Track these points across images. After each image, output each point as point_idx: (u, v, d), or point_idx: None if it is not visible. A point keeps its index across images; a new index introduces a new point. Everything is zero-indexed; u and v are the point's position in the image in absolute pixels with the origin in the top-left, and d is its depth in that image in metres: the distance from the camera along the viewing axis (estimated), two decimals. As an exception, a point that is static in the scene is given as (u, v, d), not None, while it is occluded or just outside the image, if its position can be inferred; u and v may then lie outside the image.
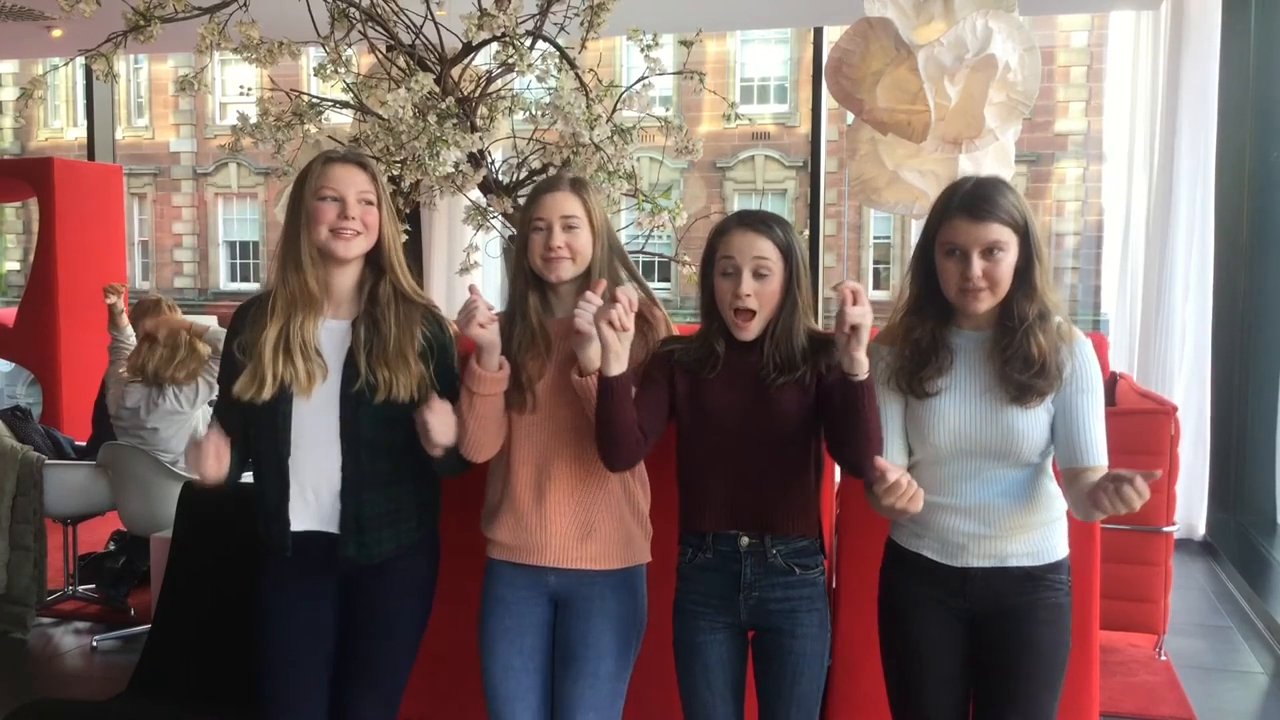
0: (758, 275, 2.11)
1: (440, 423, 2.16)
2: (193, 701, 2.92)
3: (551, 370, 2.28)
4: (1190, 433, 5.46)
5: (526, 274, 2.33)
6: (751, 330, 2.14)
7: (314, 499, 2.31)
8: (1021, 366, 1.99)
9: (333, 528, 2.30)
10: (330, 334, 2.31)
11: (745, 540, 2.18)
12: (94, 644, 4.23)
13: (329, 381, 2.28)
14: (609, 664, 2.28)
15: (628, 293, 2.06)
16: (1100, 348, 2.50)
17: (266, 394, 2.24)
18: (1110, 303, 6.54)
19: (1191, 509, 5.67)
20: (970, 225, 1.96)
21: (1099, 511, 1.92)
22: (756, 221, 2.15)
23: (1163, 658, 4.03)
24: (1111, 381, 4.54)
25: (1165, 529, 3.93)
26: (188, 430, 4.28)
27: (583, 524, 2.29)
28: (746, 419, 2.16)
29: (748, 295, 2.10)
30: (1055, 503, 2.14)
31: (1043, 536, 2.12)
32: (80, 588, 4.68)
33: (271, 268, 2.33)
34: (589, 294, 2.09)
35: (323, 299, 2.29)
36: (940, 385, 2.05)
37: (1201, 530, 5.76)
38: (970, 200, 1.97)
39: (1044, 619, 2.08)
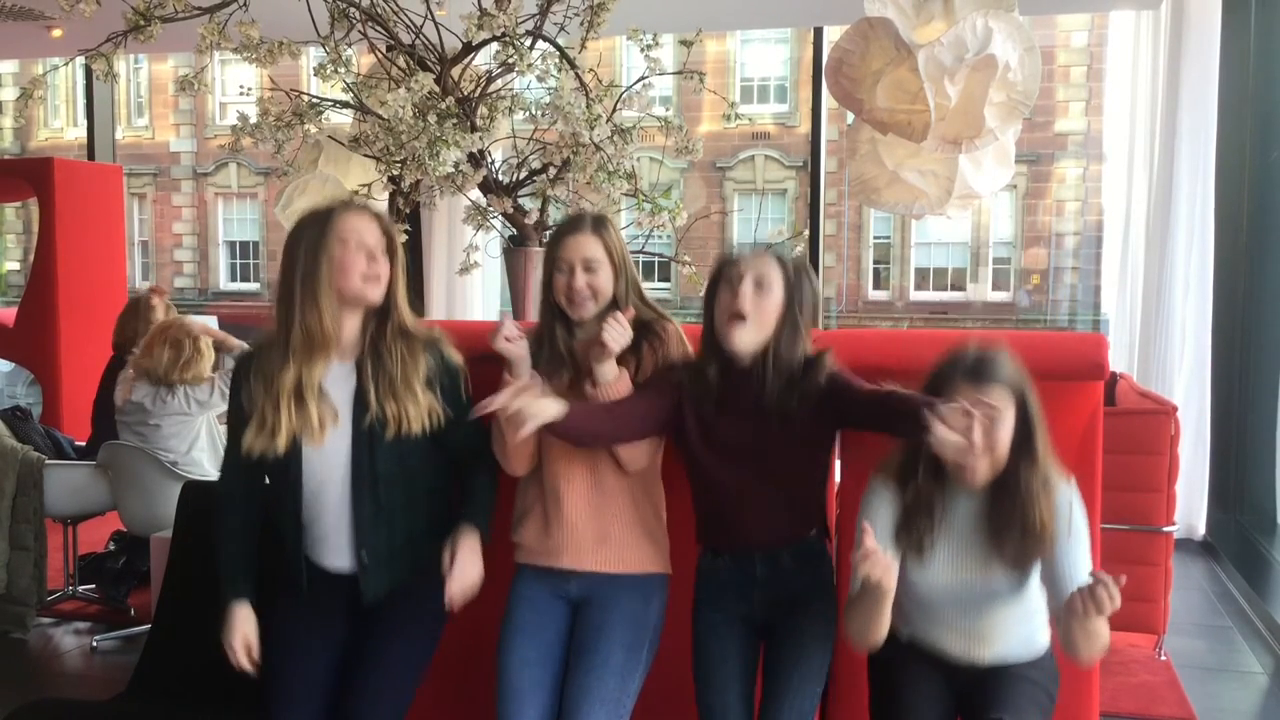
0: (759, 287, 2.19)
1: (465, 574, 2.29)
2: (193, 702, 2.92)
3: (575, 390, 2.38)
4: (1190, 432, 5.46)
5: (552, 308, 2.44)
6: (746, 342, 2.20)
7: (331, 541, 2.36)
8: (1020, 534, 2.05)
9: (350, 565, 2.36)
10: (336, 377, 2.35)
11: (759, 555, 2.31)
12: (94, 644, 4.23)
13: (340, 425, 2.32)
14: (619, 657, 2.33)
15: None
16: (1100, 348, 2.51)
17: (280, 446, 2.28)
18: (1110, 302, 6.54)
19: (1191, 509, 5.67)
20: (973, 391, 2.01)
21: (1075, 622, 1.97)
22: (762, 248, 2.27)
23: (1163, 658, 4.03)
24: (1111, 381, 4.54)
25: (1165, 529, 3.93)
26: (190, 434, 4.27)
27: (598, 529, 2.39)
28: (755, 454, 2.25)
29: (744, 303, 2.18)
30: (1040, 613, 2.22)
31: (1028, 636, 2.22)
32: (80, 588, 4.68)
33: (275, 311, 2.34)
34: (620, 315, 2.27)
35: (335, 341, 2.33)
36: (934, 545, 2.12)
37: (1201, 530, 5.76)
38: (973, 367, 2.05)
39: (1028, 698, 2.15)
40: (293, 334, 2.28)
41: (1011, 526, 2.05)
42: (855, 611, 2.08)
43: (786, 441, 2.23)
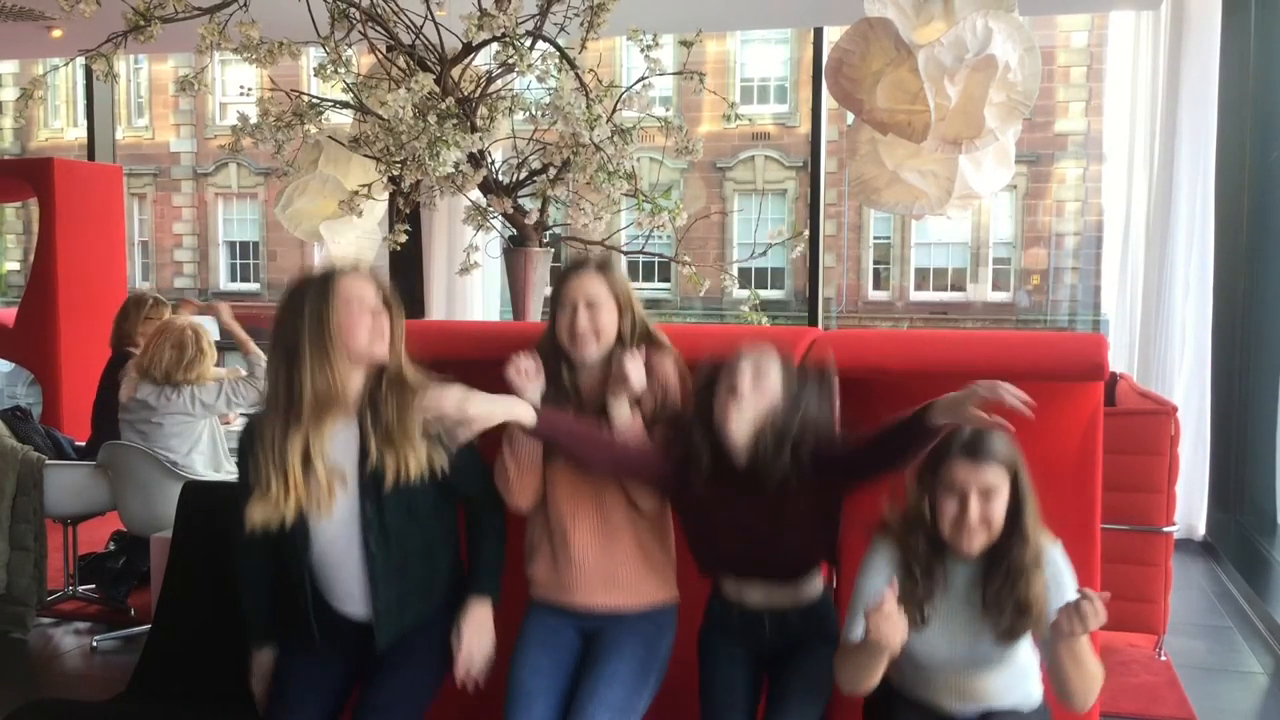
0: (756, 379, 2.24)
1: (474, 654, 2.39)
2: (193, 702, 2.93)
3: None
4: (1190, 433, 5.46)
5: (556, 347, 2.47)
6: (744, 423, 2.24)
7: (344, 590, 2.41)
8: (1013, 611, 2.12)
9: (364, 613, 2.40)
10: (341, 436, 2.38)
11: (767, 614, 2.39)
12: (94, 644, 4.23)
13: (348, 483, 2.37)
14: (629, 668, 2.38)
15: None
16: (1100, 348, 2.51)
17: (289, 516, 2.33)
18: (1110, 303, 6.54)
19: (1191, 509, 5.67)
20: (969, 467, 2.10)
21: (1062, 646, 2.03)
22: (762, 348, 2.30)
23: (1163, 658, 4.03)
24: (1111, 382, 4.54)
25: (1165, 529, 3.93)
26: (192, 435, 4.27)
27: (606, 570, 2.43)
28: (755, 537, 2.31)
29: (742, 394, 2.23)
30: (1034, 670, 2.27)
31: (1022, 692, 2.28)
32: (80, 588, 4.67)
33: (274, 378, 2.38)
34: (636, 354, 2.35)
35: (342, 402, 2.37)
36: (933, 613, 2.19)
37: (1201, 530, 5.76)
38: (969, 444, 2.12)
39: None
40: (301, 399, 2.32)
41: (1004, 601, 2.12)
42: (851, 662, 2.14)
43: (790, 520, 2.29)
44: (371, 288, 2.40)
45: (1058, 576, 2.15)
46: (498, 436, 2.35)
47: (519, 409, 2.22)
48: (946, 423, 2.05)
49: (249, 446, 2.39)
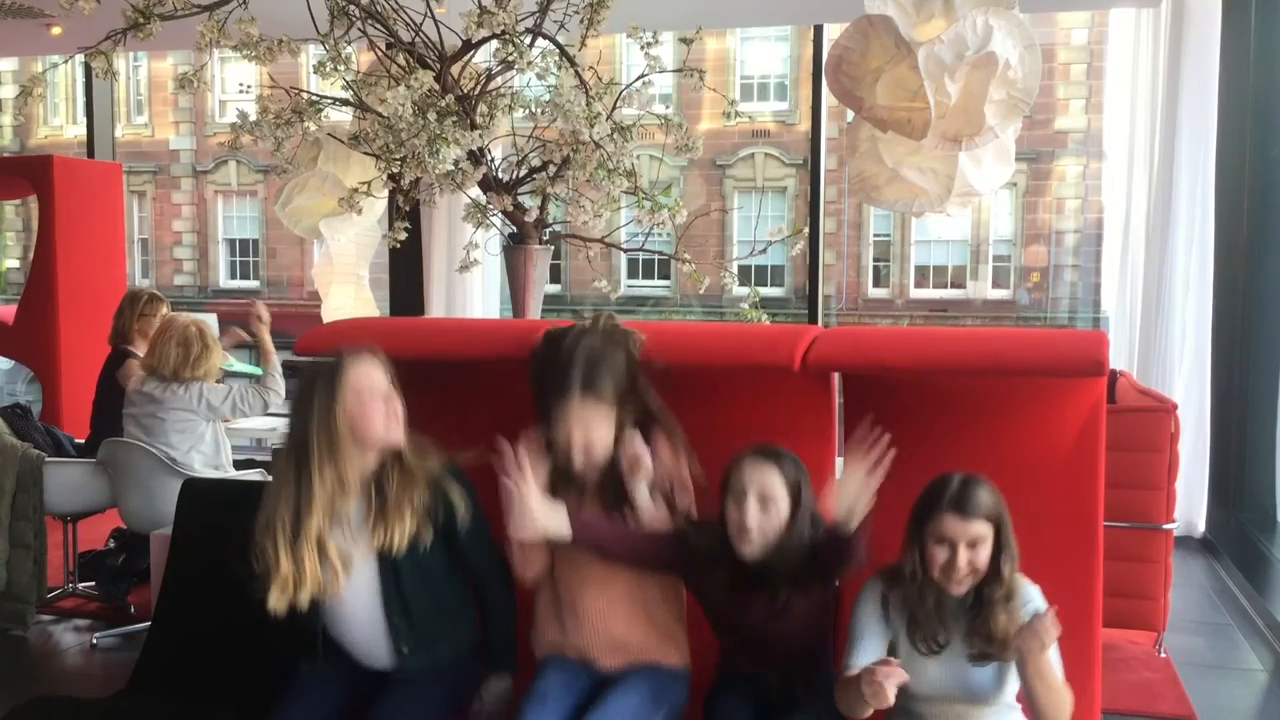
0: (762, 503, 2.33)
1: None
2: (193, 699, 2.92)
3: (585, 505, 2.46)
4: (1190, 430, 5.46)
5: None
6: (755, 549, 2.34)
7: (364, 653, 2.51)
8: (983, 640, 2.28)
9: (386, 663, 2.50)
10: (354, 518, 2.44)
11: (773, 675, 2.48)
12: (94, 641, 4.23)
13: (361, 558, 2.43)
14: (642, 691, 2.41)
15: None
16: (1100, 345, 2.51)
17: (304, 601, 2.38)
18: (1110, 300, 6.53)
19: (1191, 506, 5.67)
20: (958, 521, 2.24)
21: (1030, 670, 2.20)
22: (765, 454, 2.36)
23: (1162, 655, 4.04)
24: (1111, 379, 4.53)
25: (1165, 526, 3.93)
26: (194, 434, 4.26)
27: (616, 638, 2.47)
28: (765, 631, 2.41)
29: (750, 526, 2.32)
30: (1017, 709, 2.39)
31: None
32: (80, 585, 4.68)
33: (284, 466, 2.43)
34: (635, 434, 2.42)
35: (356, 487, 2.43)
36: (931, 649, 2.31)
37: (1201, 528, 5.76)
38: (958, 499, 2.25)
39: None
40: (313, 488, 2.36)
41: (978, 632, 2.28)
42: (852, 695, 2.23)
43: (794, 615, 2.38)
44: (380, 371, 2.45)
45: (1033, 609, 2.28)
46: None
47: (556, 527, 2.32)
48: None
49: (263, 537, 2.41)
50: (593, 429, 2.42)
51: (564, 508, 2.37)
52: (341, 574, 2.40)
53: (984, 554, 2.26)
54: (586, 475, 2.47)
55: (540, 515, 2.31)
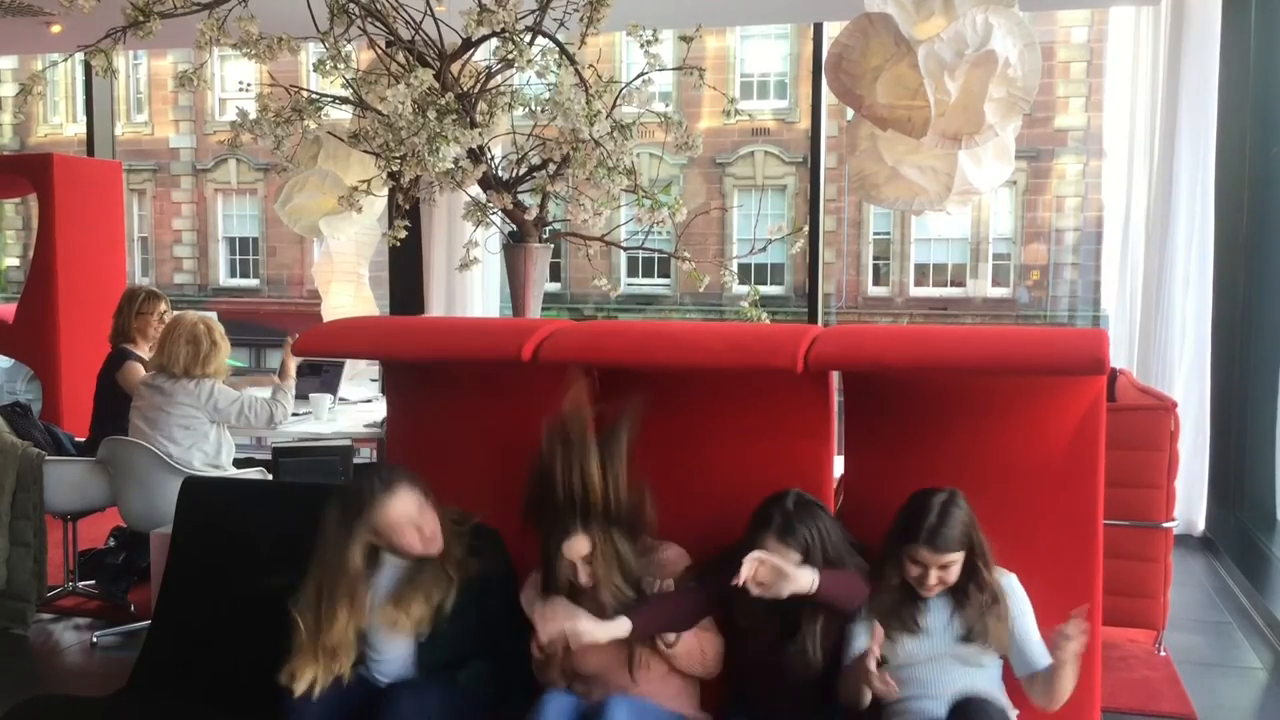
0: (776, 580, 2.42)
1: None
2: (192, 697, 2.93)
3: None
4: (1190, 428, 5.46)
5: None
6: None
7: (387, 673, 2.67)
8: (979, 630, 2.48)
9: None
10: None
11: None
12: (94, 640, 4.23)
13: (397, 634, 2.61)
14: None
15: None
16: (1101, 342, 2.51)
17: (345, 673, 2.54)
18: (1110, 298, 6.52)
19: (1191, 505, 5.67)
20: (931, 554, 2.45)
21: (1065, 664, 2.39)
22: (786, 531, 2.48)
23: (1162, 653, 4.04)
24: (1111, 377, 4.53)
25: (1165, 525, 3.93)
26: (197, 433, 4.25)
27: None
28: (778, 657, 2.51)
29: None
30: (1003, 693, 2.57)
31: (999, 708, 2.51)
32: (80, 584, 4.67)
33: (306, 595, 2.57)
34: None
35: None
36: (919, 630, 2.52)
37: (1201, 526, 5.76)
38: (931, 534, 2.44)
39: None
40: (336, 618, 2.52)
41: (973, 623, 2.48)
42: (850, 684, 2.43)
43: (829, 635, 2.51)
44: (412, 501, 2.57)
45: (1019, 603, 2.54)
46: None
47: (619, 629, 2.42)
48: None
49: (296, 632, 2.52)
50: (593, 560, 2.53)
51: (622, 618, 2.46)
52: (383, 642, 2.61)
53: (954, 571, 2.48)
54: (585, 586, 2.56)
55: (601, 632, 2.42)
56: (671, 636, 2.51)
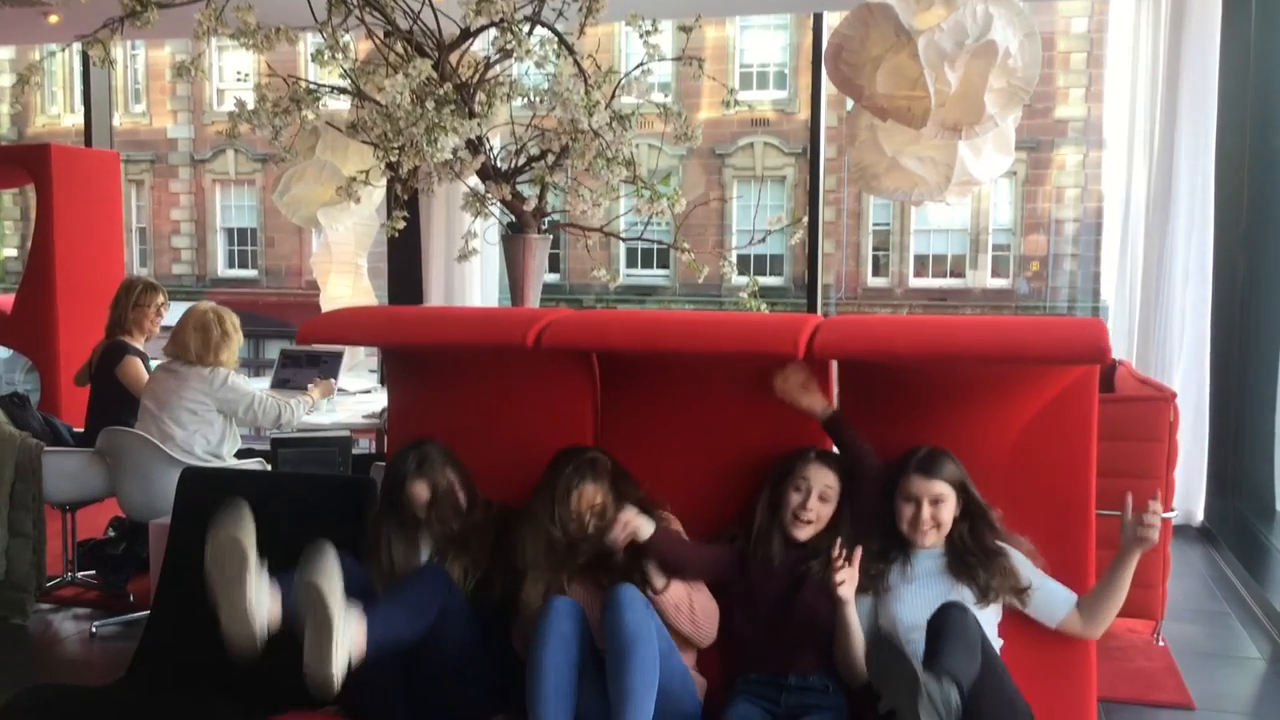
0: (822, 499, 2.64)
1: None
2: (191, 687, 2.93)
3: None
4: (1189, 419, 5.46)
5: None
6: (807, 535, 2.65)
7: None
8: (986, 575, 2.57)
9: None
10: None
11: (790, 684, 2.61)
12: (93, 630, 4.24)
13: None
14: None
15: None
16: (1101, 332, 2.51)
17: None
18: (1110, 289, 6.52)
19: (1190, 495, 5.67)
20: (922, 480, 2.58)
21: (1124, 561, 2.63)
22: (830, 457, 2.69)
23: (1160, 643, 4.04)
24: (1111, 368, 4.53)
25: (1164, 515, 3.93)
26: (203, 421, 4.25)
27: None
28: (800, 607, 2.59)
29: (810, 510, 2.63)
30: None
31: None
32: (79, 574, 4.68)
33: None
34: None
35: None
36: (898, 585, 2.60)
37: (1200, 516, 5.76)
38: (923, 463, 2.60)
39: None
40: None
41: (976, 570, 2.57)
42: (843, 649, 2.55)
43: (819, 597, 2.58)
44: (423, 484, 2.73)
45: (1023, 564, 2.63)
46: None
47: (650, 528, 2.53)
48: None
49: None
50: (602, 508, 2.61)
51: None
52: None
53: (946, 511, 2.58)
54: (586, 546, 2.59)
55: (647, 526, 2.51)
56: (661, 581, 2.53)
